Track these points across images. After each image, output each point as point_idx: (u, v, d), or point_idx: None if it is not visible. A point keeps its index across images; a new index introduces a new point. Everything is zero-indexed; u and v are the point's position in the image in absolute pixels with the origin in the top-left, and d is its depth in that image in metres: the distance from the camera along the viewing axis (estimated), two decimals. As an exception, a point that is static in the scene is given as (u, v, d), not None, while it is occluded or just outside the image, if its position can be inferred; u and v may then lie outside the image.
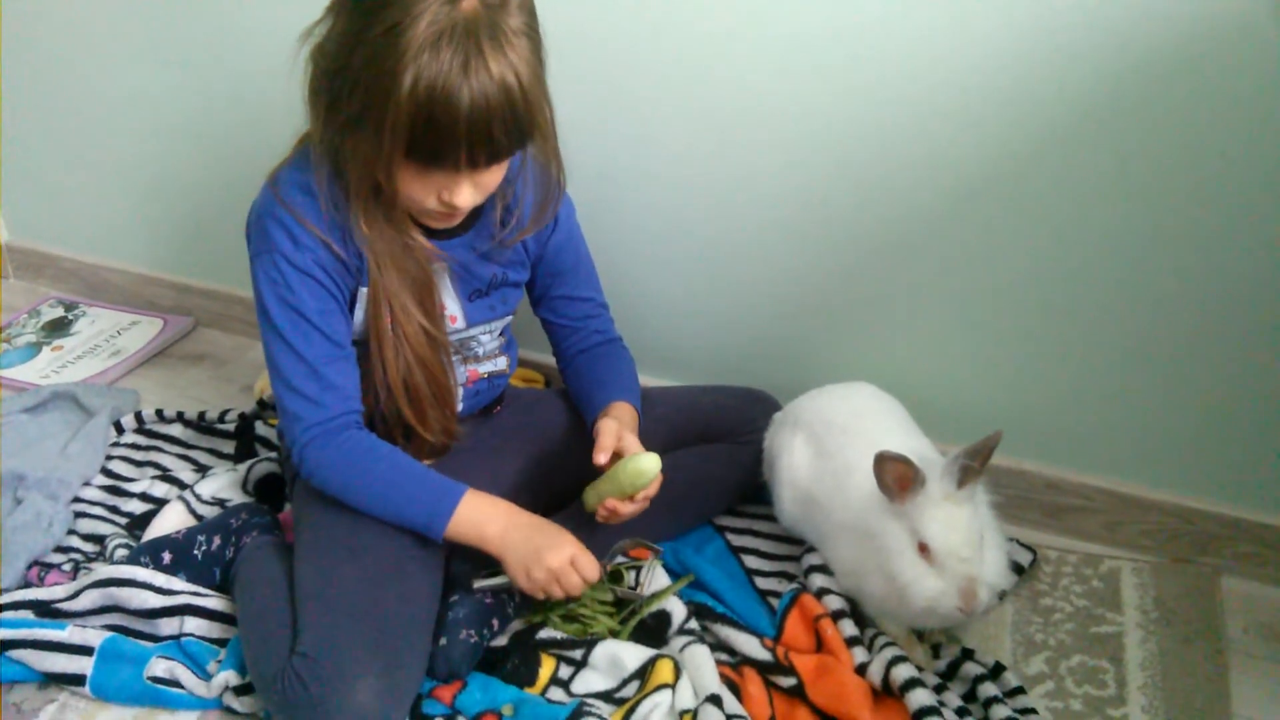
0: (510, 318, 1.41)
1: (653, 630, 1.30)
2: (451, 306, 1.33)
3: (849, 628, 1.28)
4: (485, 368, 1.40)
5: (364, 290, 1.26)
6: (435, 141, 1.09)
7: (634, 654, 1.24)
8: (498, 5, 1.08)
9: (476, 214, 1.28)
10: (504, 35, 1.08)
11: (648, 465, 1.26)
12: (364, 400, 1.29)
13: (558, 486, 1.42)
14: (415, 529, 1.25)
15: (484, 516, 1.24)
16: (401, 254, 1.23)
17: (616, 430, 1.31)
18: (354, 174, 1.17)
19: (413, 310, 1.26)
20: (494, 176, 1.19)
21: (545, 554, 1.22)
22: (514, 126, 1.11)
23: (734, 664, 1.28)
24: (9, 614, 1.33)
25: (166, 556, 1.37)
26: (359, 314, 1.27)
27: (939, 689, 1.23)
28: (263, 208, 1.23)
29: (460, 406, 1.39)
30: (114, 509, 1.56)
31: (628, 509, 1.29)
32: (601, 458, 1.29)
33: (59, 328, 2.06)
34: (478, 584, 1.29)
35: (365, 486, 1.24)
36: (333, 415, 1.24)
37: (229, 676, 1.23)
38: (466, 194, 1.16)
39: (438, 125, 1.07)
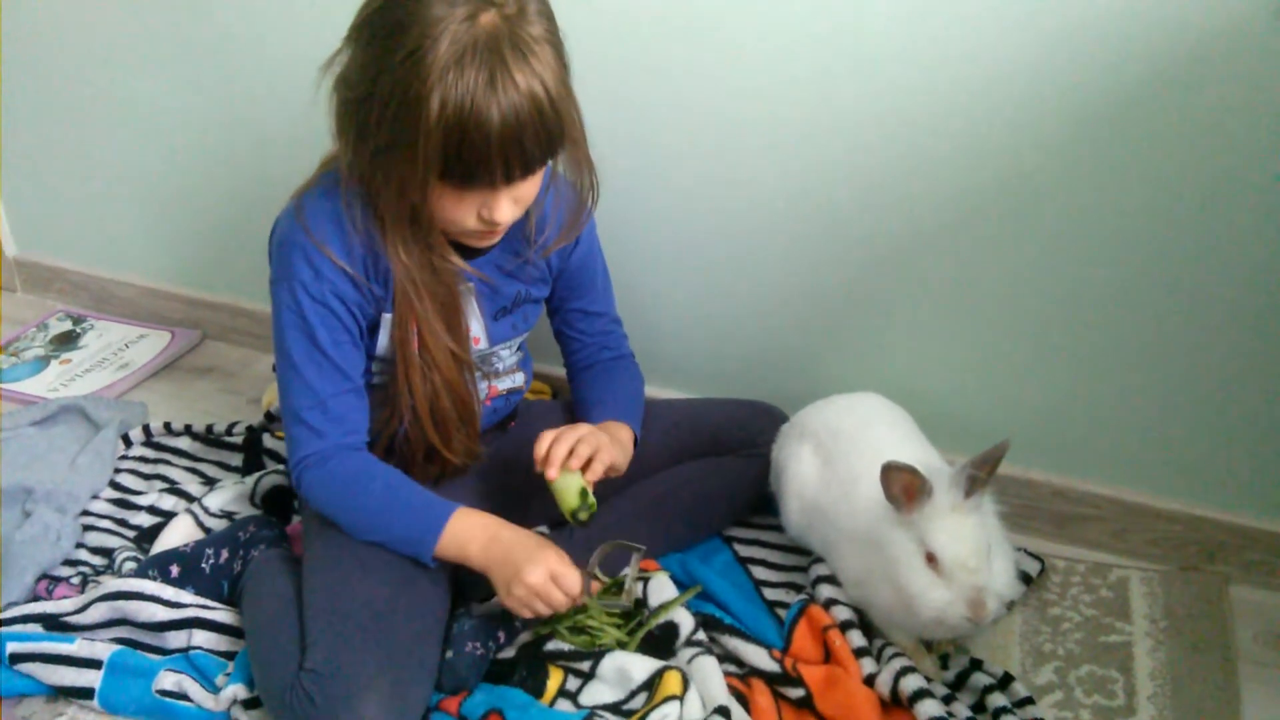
0: (529, 332, 1.42)
1: (660, 642, 1.30)
2: (475, 328, 1.32)
3: (857, 638, 1.27)
4: (504, 384, 1.41)
5: (387, 316, 1.26)
6: (470, 161, 1.09)
7: (642, 666, 1.24)
8: (516, 15, 1.08)
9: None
10: (526, 45, 1.08)
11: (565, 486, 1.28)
12: (389, 423, 1.30)
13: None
14: (407, 553, 1.23)
15: (467, 536, 1.22)
16: (432, 278, 1.23)
17: (553, 436, 1.29)
18: (389, 201, 1.16)
19: (441, 334, 1.25)
20: (530, 188, 1.19)
21: (524, 570, 1.19)
22: (545, 135, 1.11)
23: (742, 675, 1.28)
24: (18, 627, 1.33)
25: (174, 569, 1.37)
26: (383, 339, 1.28)
27: (948, 700, 1.22)
28: (286, 232, 1.23)
29: (480, 421, 1.38)
30: (122, 522, 1.56)
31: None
32: (552, 473, 1.27)
33: (67, 341, 2.07)
34: (476, 610, 1.30)
35: (357, 508, 1.24)
36: (333, 444, 1.24)
37: (237, 690, 1.23)
38: (506, 209, 1.16)
39: (471, 144, 1.07)
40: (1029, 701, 1.23)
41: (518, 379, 1.43)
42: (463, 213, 1.16)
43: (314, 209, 1.22)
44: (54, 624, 1.33)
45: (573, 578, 1.21)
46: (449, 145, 1.07)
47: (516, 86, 1.06)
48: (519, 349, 1.42)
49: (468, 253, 1.27)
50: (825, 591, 1.33)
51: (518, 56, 1.07)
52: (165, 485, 1.63)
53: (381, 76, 1.08)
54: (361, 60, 1.11)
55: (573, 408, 1.49)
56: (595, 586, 1.29)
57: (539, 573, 1.19)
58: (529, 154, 1.11)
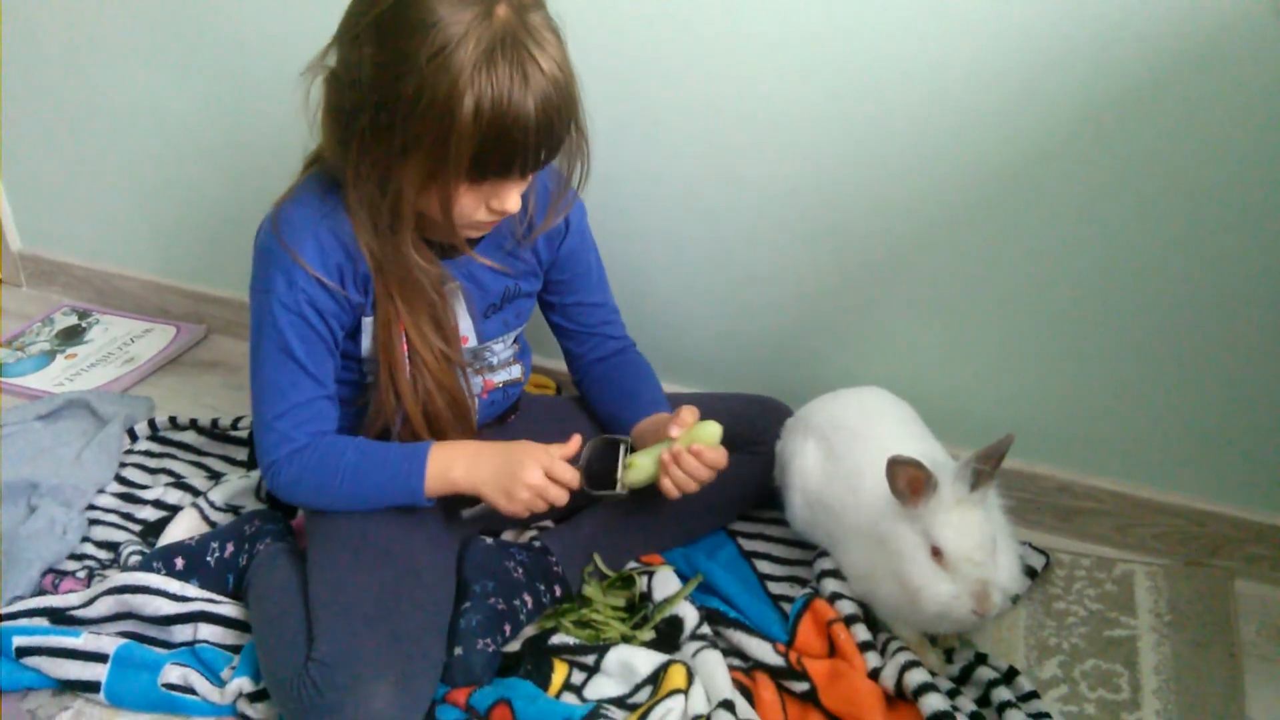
0: (523, 326, 1.41)
1: (665, 636, 1.30)
2: (464, 327, 1.32)
3: (862, 632, 1.28)
4: (500, 377, 1.40)
5: (368, 321, 1.26)
6: (504, 154, 1.09)
7: (646, 659, 1.24)
8: (521, 6, 1.09)
9: None
10: (539, 33, 1.09)
11: (714, 428, 1.27)
12: (375, 423, 1.30)
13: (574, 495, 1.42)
14: (401, 503, 1.25)
15: (448, 463, 1.24)
16: (419, 279, 1.23)
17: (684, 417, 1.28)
18: (405, 202, 1.15)
19: (430, 336, 1.25)
20: (530, 175, 1.19)
21: (519, 473, 1.22)
22: (568, 117, 1.13)
23: (746, 669, 1.28)
24: (24, 621, 1.33)
25: (180, 563, 1.37)
26: (366, 342, 1.27)
27: (952, 694, 1.22)
28: (262, 242, 1.23)
29: (476, 417, 1.38)
30: (128, 516, 1.56)
31: (703, 473, 1.26)
32: (675, 430, 1.26)
33: (72, 336, 2.07)
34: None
35: (338, 484, 1.25)
36: (300, 444, 1.25)
37: (243, 683, 1.24)
38: (515, 198, 1.17)
39: (509, 139, 1.08)
40: (1034, 696, 1.23)
41: (515, 371, 1.43)
42: (474, 206, 1.16)
43: (289, 219, 1.21)
44: (60, 618, 1.33)
45: (568, 471, 1.24)
46: (485, 142, 1.07)
47: (544, 74, 1.08)
48: (515, 341, 1.42)
49: (447, 251, 1.26)
50: (830, 585, 1.33)
51: (536, 45, 1.08)
52: (170, 479, 1.64)
53: (405, 77, 1.06)
54: (376, 61, 1.09)
55: (583, 402, 1.49)
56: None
57: (536, 472, 1.22)
58: (557, 138, 1.12)
